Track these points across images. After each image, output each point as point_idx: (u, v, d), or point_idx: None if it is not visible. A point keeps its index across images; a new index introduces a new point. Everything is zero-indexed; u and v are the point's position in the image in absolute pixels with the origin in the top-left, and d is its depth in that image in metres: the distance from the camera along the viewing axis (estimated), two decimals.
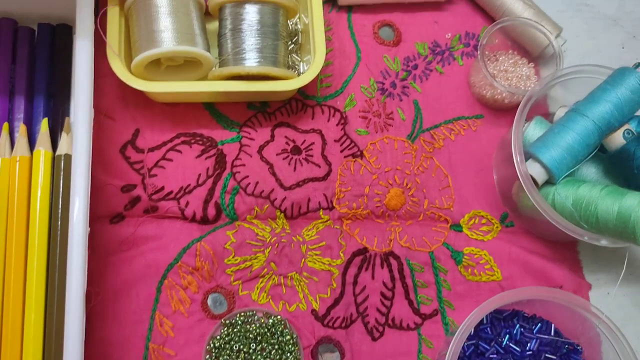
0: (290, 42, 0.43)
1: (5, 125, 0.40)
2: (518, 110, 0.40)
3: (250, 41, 0.39)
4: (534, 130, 0.43)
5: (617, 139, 0.39)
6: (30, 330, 0.36)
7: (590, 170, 0.41)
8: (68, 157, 0.39)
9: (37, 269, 0.37)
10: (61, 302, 0.36)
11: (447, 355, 0.36)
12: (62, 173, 0.39)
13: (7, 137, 0.39)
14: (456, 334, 0.36)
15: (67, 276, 0.33)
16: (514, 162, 0.40)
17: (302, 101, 0.44)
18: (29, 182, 0.39)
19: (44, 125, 0.40)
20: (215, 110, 0.43)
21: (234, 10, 0.40)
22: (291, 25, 0.44)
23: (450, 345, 0.36)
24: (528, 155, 0.40)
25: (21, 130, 0.39)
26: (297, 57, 0.44)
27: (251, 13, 0.40)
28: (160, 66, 0.41)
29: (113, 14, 0.39)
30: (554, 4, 0.50)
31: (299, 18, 0.44)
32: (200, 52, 0.39)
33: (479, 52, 0.43)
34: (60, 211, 0.38)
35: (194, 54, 0.39)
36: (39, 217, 0.38)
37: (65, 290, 0.37)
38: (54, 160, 0.39)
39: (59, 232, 0.38)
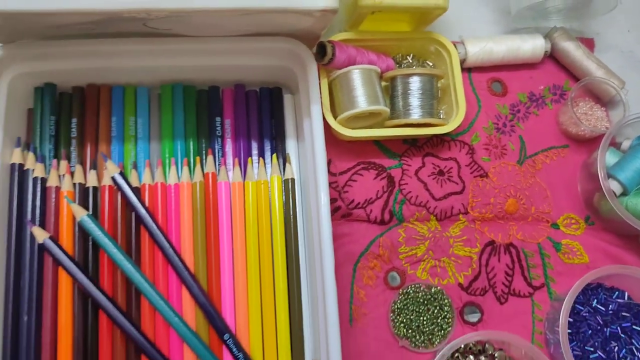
0: None
1: (250, 159, 0.58)
2: (602, 143, 0.57)
3: (416, 101, 0.57)
4: (609, 157, 0.60)
5: None
6: (282, 309, 0.52)
7: None
8: (292, 180, 0.57)
9: (281, 262, 0.53)
10: (298, 294, 0.53)
11: (562, 312, 0.53)
12: (290, 191, 0.57)
13: (252, 167, 0.58)
14: (566, 299, 0.54)
15: (322, 274, 0.48)
16: (595, 179, 0.58)
17: (441, 137, 0.62)
18: (269, 198, 0.57)
19: (274, 159, 0.58)
20: (382, 145, 0.61)
21: (403, 80, 0.58)
22: None
23: (564, 305, 0.53)
24: (609, 175, 0.58)
25: (261, 163, 0.58)
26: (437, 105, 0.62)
27: (416, 82, 0.57)
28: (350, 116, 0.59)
29: (323, 83, 0.58)
30: (616, 62, 0.66)
31: None
32: (383, 108, 0.57)
33: (568, 101, 0.61)
34: (291, 218, 0.56)
35: (378, 110, 0.57)
36: (278, 223, 0.55)
37: (300, 281, 0.53)
38: (284, 182, 0.58)
39: (293, 234, 0.56)
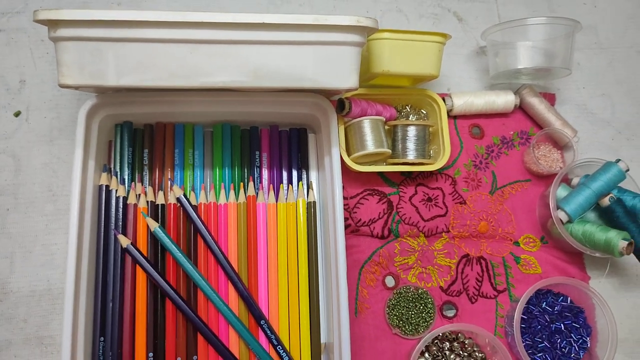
0: None
1: (281, 185, 0.74)
2: (554, 181, 0.73)
3: (412, 145, 0.73)
4: (561, 191, 0.76)
5: (606, 201, 0.72)
6: (304, 301, 0.67)
7: (591, 215, 0.75)
8: (314, 203, 0.72)
9: (304, 265, 0.68)
10: (317, 290, 0.70)
11: (516, 310, 0.70)
12: (312, 211, 0.73)
13: (282, 191, 0.74)
14: (520, 300, 0.71)
15: (336, 275, 0.62)
16: (549, 209, 0.74)
17: (430, 171, 0.79)
18: (296, 216, 0.73)
19: (300, 186, 0.74)
20: (384, 176, 0.78)
21: (403, 129, 0.74)
22: None
23: (518, 305, 0.70)
24: (558, 207, 0.74)
25: (290, 188, 0.74)
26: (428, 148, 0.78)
27: (412, 131, 0.74)
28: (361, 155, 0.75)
29: (341, 129, 0.74)
30: (572, 113, 0.82)
31: None
32: (386, 150, 0.73)
33: (531, 146, 0.77)
34: (312, 232, 0.72)
35: (383, 151, 0.73)
36: (302, 235, 0.72)
37: (318, 281, 0.68)
38: (307, 204, 0.74)
39: (313, 244, 0.72)
